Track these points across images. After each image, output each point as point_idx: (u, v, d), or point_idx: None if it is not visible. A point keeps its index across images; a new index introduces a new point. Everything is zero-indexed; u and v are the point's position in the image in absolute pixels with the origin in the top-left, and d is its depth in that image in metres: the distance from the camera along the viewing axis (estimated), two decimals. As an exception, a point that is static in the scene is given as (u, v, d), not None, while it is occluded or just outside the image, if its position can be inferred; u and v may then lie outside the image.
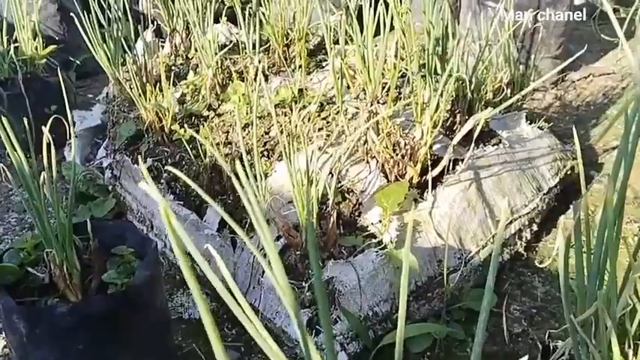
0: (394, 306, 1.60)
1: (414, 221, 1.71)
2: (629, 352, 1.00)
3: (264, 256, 0.59)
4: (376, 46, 1.86)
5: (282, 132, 1.89)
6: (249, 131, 2.11)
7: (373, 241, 1.65)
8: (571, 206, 2.13)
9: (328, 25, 2.02)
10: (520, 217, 1.91)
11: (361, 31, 1.86)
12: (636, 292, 0.99)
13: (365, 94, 1.94)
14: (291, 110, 2.11)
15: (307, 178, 1.58)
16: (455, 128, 1.99)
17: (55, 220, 1.35)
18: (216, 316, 1.79)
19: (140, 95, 2.21)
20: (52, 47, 2.99)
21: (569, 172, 2.13)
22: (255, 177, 1.69)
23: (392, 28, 1.84)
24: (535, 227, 1.98)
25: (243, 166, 1.61)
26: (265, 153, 2.02)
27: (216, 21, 2.77)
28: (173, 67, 2.74)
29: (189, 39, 2.87)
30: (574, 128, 1.15)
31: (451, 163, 1.83)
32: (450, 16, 1.87)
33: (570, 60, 1.85)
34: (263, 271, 1.68)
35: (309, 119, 2.04)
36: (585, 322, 1.00)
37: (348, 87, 2.12)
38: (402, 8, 1.87)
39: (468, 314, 1.70)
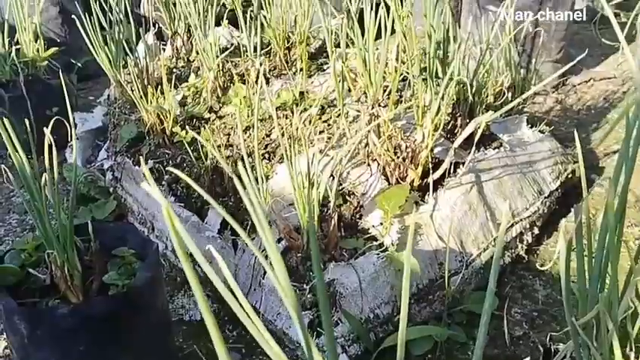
0: (395, 308, 1.60)
1: (415, 224, 1.71)
2: (631, 354, 1.00)
3: (266, 257, 0.59)
4: (377, 49, 1.86)
5: (283, 134, 1.90)
6: (250, 134, 2.11)
7: (374, 243, 1.66)
8: (572, 209, 2.12)
9: (329, 29, 2.03)
10: (521, 220, 1.91)
11: (362, 35, 1.87)
12: (637, 295, 0.99)
13: (366, 97, 1.94)
14: (292, 113, 2.11)
15: (308, 181, 1.58)
16: (456, 131, 2.00)
17: (56, 222, 1.35)
18: (217, 318, 1.79)
19: (141, 97, 2.21)
20: (53, 49, 3.00)
21: (569, 176, 2.13)
22: (256, 179, 1.70)
23: (393, 31, 1.84)
24: (536, 230, 1.98)
25: (245, 168, 1.62)
26: (266, 155, 2.02)
27: (218, 24, 2.77)
28: (174, 70, 2.75)
29: (191, 42, 2.87)
30: (575, 132, 1.15)
31: (452, 166, 1.83)
32: (451, 19, 1.87)
33: (571, 64, 1.85)
34: (264, 273, 1.68)
35: (310, 122, 2.04)
36: (587, 324, 1.00)
37: (349, 90, 2.12)
38: (403, 12, 1.88)
39: (469, 317, 1.70)
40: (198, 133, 2.13)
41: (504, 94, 2.17)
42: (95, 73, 3.48)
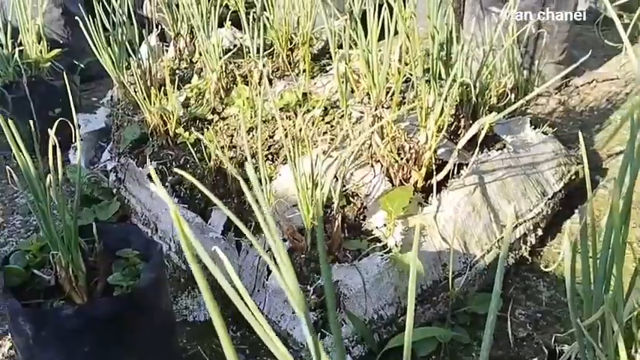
0: (399, 309, 1.60)
1: (419, 225, 1.71)
2: (636, 356, 1.00)
3: (272, 258, 0.59)
4: (380, 50, 1.87)
5: (286, 135, 1.90)
6: (252, 135, 2.11)
7: (378, 244, 1.65)
8: (575, 211, 2.13)
9: (333, 30, 2.03)
10: (525, 221, 1.91)
11: (365, 36, 1.87)
12: (643, 296, 0.99)
13: (369, 98, 1.94)
14: (295, 114, 2.12)
15: (312, 182, 1.58)
16: (459, 133, 2.00)
17: (61, 223, 1.35)
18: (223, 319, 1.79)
19: (144, 99, 2.21)
20: (56, 51, 3.00)
21: (573, 177, 2.13)
22: (260, 180, 1.70)
23: (396, 32, 1.84)
24: (540, 232, 1.98)
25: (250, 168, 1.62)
26: (269, 157, 2.02)
27: (221, 25, 2.77)
28: (177, 71, 2.75)
29: (194, 43, 2.87)
30: (580, 133, 1.15)
31: (456, 168, 1.83)
32: (454, 21, 1.87)
33: (574, 65, 1.85)
34: (268, 274, 1.68)
35: (313, 123, 2.04)
36: (592, 326, 1.00)
37: (352, 91, 2.13)
38: (407, 13, 1.88)
39: (472, 318, 1.70)
40: (202, 135, 2.13)
41: (507, 95, 2.17)
42: (98, 75, 3.48)
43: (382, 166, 1.83)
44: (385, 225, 1.70)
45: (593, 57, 2.95)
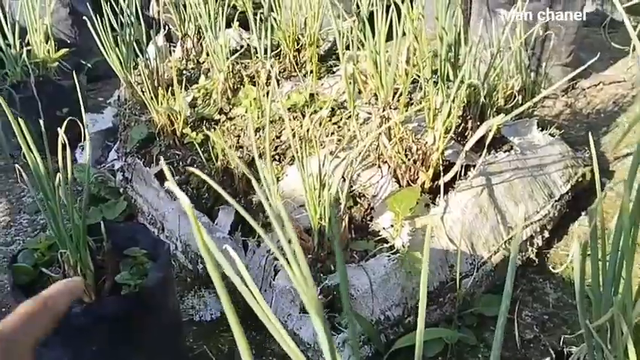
0: (406, 310, 1.60)
1: (426, 226, 1.71)
2: (646, 358, 0.99)
3: (283, 254, 0.59)
4: (387, 51, 1.87)
5: (294, 136, 1.90)
6: (259, 135, 2.11)
7: (385, 245, 1.65)
8: (582, 213, 2.12)
9: (341, 31, 2.03)
10: (532, 223, 1.91)
11: (373, 37, 1.87)
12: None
13: (376, 99, 1.94)
14: (303, 115, 2.12)
15: (320, 182, 1.58)
16: (466, 134, 2.00)
17: (69, 222, 1.35)
18: (227, 319, 1.80)
19: (152, 99, 2.22)
20: (64, 50, 3.01)
21: (580, 179, 2.13)
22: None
23: (403, 33, 1.84)
24: (546, 234, 1.98)
25: (256, 168, 1.62)
26: (276, 157, 2.02)
27: (228, 26, 2.78)
28: (184, 72, 2.76)
29: (201, 43, 2.88)
30: (589, 135, 1.15)
31: (463, 169, 1.83)
32: (462, 22, 1.87)
33: (582, 68, 1.85)
34: (274, 274, 1.68)
35: (320, 124, 2.04)
36: (600, 328, 1.00)
37: (360, 92, 2.13)
38: (414, 14, 1.88)
39: (479, 319, 1.70)
40: (209, 135, 2.14)
41: (515, 97, 2.17)
42: (104, 74, 3.50)
43: (389, 167, 1.83)
44: (392, 226, 1.70)
45: (599, 59, 2.94)
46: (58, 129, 1.34)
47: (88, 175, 1.48)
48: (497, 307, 1.69)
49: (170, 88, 2.30)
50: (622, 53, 3.43)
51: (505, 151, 2.01)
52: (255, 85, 2.36)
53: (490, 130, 1.78)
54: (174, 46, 3.02)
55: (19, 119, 1.26)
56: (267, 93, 2.26)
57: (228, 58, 2.39)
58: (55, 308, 0.62)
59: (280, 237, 0.57)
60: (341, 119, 2.09)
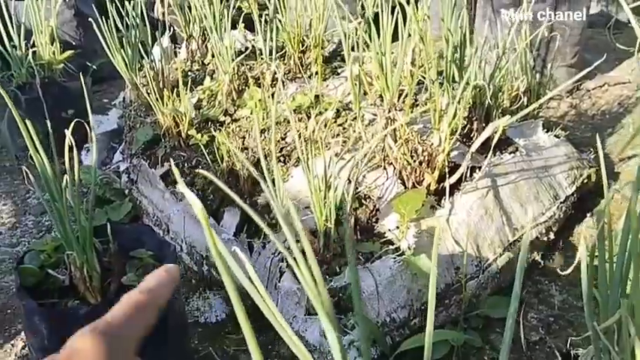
0: (412, 312, 1.60)
1: (432, 228, 1.71)
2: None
3: (290, 253, 0.59)
4: (393, 53, 1.87)
5: (300, 137, 1.90)
6: (264, 137, 2.12)
7: (390, 247, 1.65)
8: (588, 215, 2.12)
9: (346, 32, 2.03)
10: (537, 225, 1.91)
11: (378, 38, 1.87)
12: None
13: (382, 100, 1.94)
14: (308, 116, 2.12)
15: (325, 184, 1.58)
16: (472, 135, 1.99)
17: (75, 223, 1.35)
18: (234, 321, 1.80)
19: (157, 100, 2.22)
20: (69, 52, 3.02)
21: (585, 181, 2.13)
22: (273, 181, 1.70)
23: (409, 35, 1.84)
24: (552, 235, 1.97)
25: (262, 169, 1.62)
26: (281, 159, 2.02)
27: (233, 27, 2.78)
28: (189, 73, 2.76)
29: (206, 45, 2.88)
30: (597, 136, 1.15)
31: (468, 171, 1.83)
32: (467, 23, 1.87)
33: (588, 69, 1.84)
34: (280, 276, 1.68)
35: (325, 125, 2.04)
36: (607, 330, 0.99)
37: (365, 93, 2.13)
38: (420, 15, 1.88)
39: (485, 321, 1.69)
40: (214, 136, 2.14)
41: (520, 98, 2.17)
42: (109, 76, 3.51)
43: (395, 168, 1.83)
44: (398, 227, 1.70)
45: (604, 60, 2.94)
46: (65, 130, 1.34)
47: (95, 176, 1.48)
48: (502, 309, 1.69)
49: (175, 89, 2.30)
50: (627, 54, 3.42)
51: (510, 153, 2.01)
52: (260, 87, 2.37)
53: (496, 132, 1.78)
54: (180, 48, 3.03)
55: (27, 121, 1.27)
56: (272, 94, 2.26)
57: (233, 60, 2.39)
58: (161, 299, 0.57)
59: (287, 235, 0.57)
60: (346, 121, 2.09)
